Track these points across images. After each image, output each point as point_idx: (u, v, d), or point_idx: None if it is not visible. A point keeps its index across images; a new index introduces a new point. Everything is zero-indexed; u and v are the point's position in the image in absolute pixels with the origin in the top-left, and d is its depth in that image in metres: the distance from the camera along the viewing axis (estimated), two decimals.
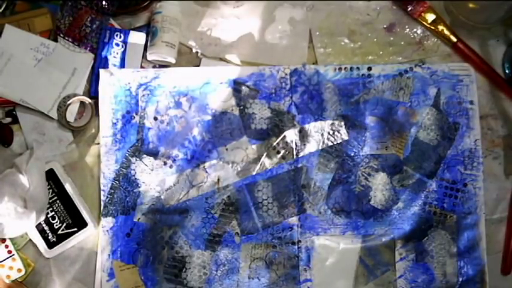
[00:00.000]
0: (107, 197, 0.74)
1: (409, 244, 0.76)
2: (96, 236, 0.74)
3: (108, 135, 0.75)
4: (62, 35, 0.76)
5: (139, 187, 0.75)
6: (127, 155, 0.75)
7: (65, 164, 0.75)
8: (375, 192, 0.76)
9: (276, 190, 0.75)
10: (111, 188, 0.74)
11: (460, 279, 0.76)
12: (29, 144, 0.75)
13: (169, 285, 0.74)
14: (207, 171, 0.75)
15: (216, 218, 0.75)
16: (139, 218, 0.74)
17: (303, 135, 0.76)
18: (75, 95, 0.75)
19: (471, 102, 0.78)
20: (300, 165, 0.76)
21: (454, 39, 0.79)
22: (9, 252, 0.72)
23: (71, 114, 0.75)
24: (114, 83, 0.75)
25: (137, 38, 0.77)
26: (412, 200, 0.76)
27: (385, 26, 0.81)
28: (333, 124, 0.77)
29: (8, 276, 0.71)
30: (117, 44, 0.77)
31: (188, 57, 0.79)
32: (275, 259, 0.75)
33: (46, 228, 0.73)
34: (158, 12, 0.76)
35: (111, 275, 0.73)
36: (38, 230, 0.72)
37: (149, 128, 0.76)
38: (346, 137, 0.77)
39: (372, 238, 0.76)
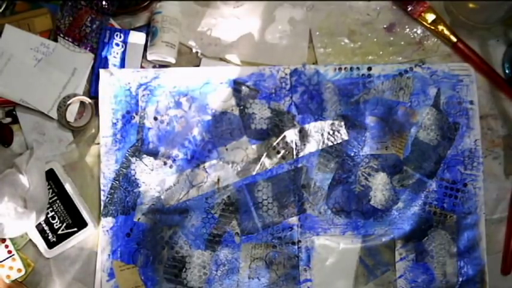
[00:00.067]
0: (107, 197, 0.74)
1: (409, 244, 0.76)
2: (96, 236, 0.74)
3: (108, 135, 0.75)
4: (62, 35, 0.76)
5: (139, 187, 0.75)
6: (127, 155, 0.75)
7: (65, 164, 0.75)
8: (375, 192, 0.76)
9: (276, 190, 0.75)
10: (111, 188, 0.74)
11: (460, 279, 0.76)
12: (29, 144, 0.75)
13: (169, 285, 0.74)
14: (207, 171, 0.75)
15: (216, 218, 0.75)
16: (139, 218, 0.74)
17: (303, 135, 0.76)
18: (75, 95, 0.75)
19: (471, 102, 0.78)
20: (300, 165, 0.76)
21: (454, 39, 0.79)
22: (9, 252, 0.72)
23: (71, 114, 0.75)
24: (114, 83, 0.75)
25: (137, 38, 0.77)
26: (412, 200, 0.76)
27: (385, 26, 0.81)
28: (333, 124, 0.77)
29: (8, 276, 0.71)
30: (117, 44, 0.77)
31: (188, 57, 0.79)
32: (275, 259, 0.75)
33: (46, 228, 0.73)
34: (158, 12, 0.76)
35: (111, 275, 0.73)
36: (38, 230, 0.72)
37: (149, 128, 0.76)
38: (346, 137, 0.77)
39: (372, 238, 0.76)
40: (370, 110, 0.77)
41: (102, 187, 0.74)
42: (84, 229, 0.73)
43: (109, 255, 0.73)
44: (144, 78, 0.76)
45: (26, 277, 0.73)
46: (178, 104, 0.76)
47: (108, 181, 0.74)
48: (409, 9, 0.80)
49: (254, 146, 0.76)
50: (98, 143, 0.75)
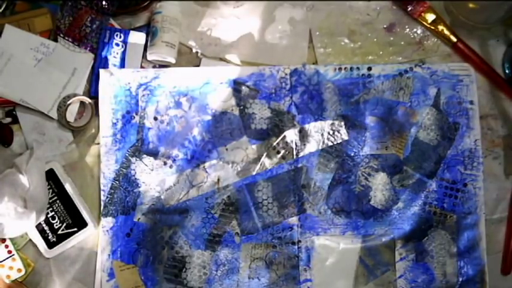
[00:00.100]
0: (107, 197, 0.74)
1: (409, 244, 0.76)
2: (96, 236, 0.74)
3: (108, 135, 0.75)
4: (62, 35, 0.76)
5: (139, 187, 0.75)
6: (127, 155, 0.75)
7: (65, 164, 0.75)
8: (375, 192, 0.76)
9: (276, 190, 0.75)
10: (111, 188, 0.74)
11: (460, 279, 0.76)
12: (29, 144, 0.75)
13: (169, 285, 0.74)
14: (207, 171, 0.75)
15: (216, 218, 0.75)
16: (139, 218, 0.74)
17: (303, 135, 0.76)
18: (75, 95, 0.75)
19: (471, 102, 0.78)
20: (300, 165, 0.76)
21: (454, 39, 0.79)
22: (9, 252, 0.72)
23: (71, 114, 0.75)
24: (114, 83, 0.75)
25: (137, 38, 0.77)
26: (412, 200, 0.76)
27: (385, 26, 0.81)
28: (333, 124, 0.77)
29: (8, 276, 0.71)
30: (117, 44, 0.77)
31: (188, 57, 0.79)
32: (275, 259, 0.75)
33: (46, 228, 0.73)
34: (158, 12, 0.76)
35: (111, 275, 0.73)
36: (38, 230, 0.72)
37: (149, 128, 0.76)
38: (346, 137, 0.77)
39: (372, 238, 0.76)
40: (370, 110, 0.77)
41: (102, 187, 0.74)
42: (84, 229, 0.73)
43: (109, 255, 0.73)
44: (144, 78, 0.76)
45: (26, 277, 0.73)
46: (178, 104, 0.76)
47: (108, 181, 0.74)
48: (409, 9, 0.80)
49: (254, 146, 0.76)
50: (98, 143, 0.75)
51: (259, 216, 0.75)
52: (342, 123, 0.77)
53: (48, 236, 0.73)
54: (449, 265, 0.76)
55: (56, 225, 0.73)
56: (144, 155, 0.75)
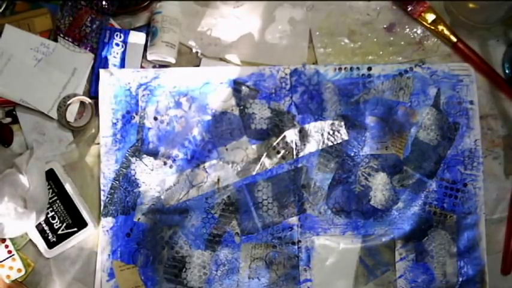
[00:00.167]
0: (107, 197, 0.74)
1: (409, 244, 0.76)
2: (96, 236, 0.74)
3: (108, 135, 0.75)
4: (62, 35, 0.76)
5: (139, 187, 0.75)
6: (127, 155, 0.75)
7: (65, 164, 0.75)
8: (375, 192, 0.76)
9: (276, 190, 0.75)
10: (111, 188, 0.74)
11: (460, 279, 0.76)
12: (29, 144, 0.75)
13: (169, 285, 0.74)
14: (207, 171, 0.75)
15: (216, 218, 0.75)
16: (139, 218, 0.74)
17: (303, 135, 0.76)
18: (75, 95, 0.75)
19: (471, 102, 0.78)
20: (300, 165, 0.76)
21: (454, 39, 0.79)
22: (9, 252, 0.72)
23: (71, 114, 0.75)
24: (114, 83, 0.75)
25: (137, 38, 0.77)
26: (412, 200, 0.76)
27: (385, 26, 0.81)
28: (333, 124, 0.77)
29: (8, 276, 0.72)
30: (117, 44, 0.77)
31: (188, 57, 0.79)
32: (275, 259, 0.75)
33: (46, 228, 0.73)
34: (158, 12, 0.76)
35: (111, 275, 0.73)
36: (38, 230, 0.72)
37: (149, 128, 0.76)
38: (346, 137, 0.77)
39: (372, 238, 0.76)
40: (370, 110, 0.77)
41: (102, 187, 0.74)
42: (84, 229, 0.73)
43: (109, 255, 0.73)
44: (144, 78, 0.76)
45: (26, 277, 0.73)
46: (178, 104, 0.76)
47: (108, 181, 0.74)
48: (409, 9, 0.80)
49: (254, 146, 0.76)
50: (98, 143, 0.75)
51: (259, 216, 0.75)
52: (342, 123, 0.77)
53: (48, 236, 0.73)
54: (449, 265, 0.76)
55: (56, 225, 0.73)
56: (144, 155, 0.75)
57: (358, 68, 0.78)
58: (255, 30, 0.79)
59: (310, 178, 0.76)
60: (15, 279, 0.72)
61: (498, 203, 0.78)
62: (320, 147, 0.76)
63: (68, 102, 0.73)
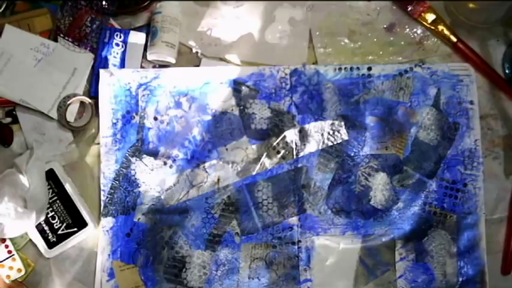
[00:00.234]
0: (107, 197, 0.74)
1: (409, 244, 0.76)
2: (96, 236, 0.74)
3: (108, 135, 0.75)
4: (62, 35, 0.76)
5: (139, 187, 0.75)
6: (127, 155, 0.75)
7: (65, 164, 0.75)
8: (375, 192, 0.76)
9: (276, 190, 0.75)
10: (111, 188, 0.74)
11: (460, 279, 0.76)
12: (29, 144, 0.75)
13: (169, 285, 0.74)
14: (207, 171, 0.75)
15: (216, 218, 0.75)
16: (139, 218, 0.74)
17: (303, 135, 0.76)
18: (75, 95, 0.75)
19: (471, 102, 0.78)
20: (300, 165, 0.76)
21: (454, 39, 0.79)
22: (9, 252, 0.72)
23: (71, 114, 0.75)
24: (114, 83, 0.75)
25: (137, 38, 0.77)
26: (412, 200, 0.76)
27: (385, 26, 0.81)
28: (333, 124, 0.77)
29: (8, 276, 0.72)
30: (117, 44, 0.77)
31: (188, 57, 0.79)
32: (275, 259, 0.75)
33: (46, 228, 0.73)
34: (158, 12, 0.76)
35: (111, 275, 0.73)
36: (38, 230, 0.72)
37: (149, 128, 0.76)
38: (346, 137, 0.77)
39: (372, 238, 0.76)
40: (370, 110, 0.77)
41: (102, 187, 0.74)
42: (84, 229, 0.73)
43: (109, 255, 0.73)
44: (144, 78, 0.76)
45: (26, 277, 0.73)
46: (178, 104, 0.76)
47: (108, 181, 0.74)
48: (409, 9, 0.80)
49: (254, 146, 0.76)
50: (98, 143, 0.75)
51: (259, 216, 0.75)
52: (342, 123, 0.77)
53: (48, 236, 0.73)
54: (449, 265, 0.76)
55: (56, 225, 0.73)
56: (144, 155, 0.75)
57: (358, 68, 0.78)
58: (255, 30, 0.79)
59: (310, 178, 0.76)
60: (15, 279, 0.72)
61: (498, 203, 0.78)
62: (320, 147, 0.76)
63: (68, 102, 0.73)
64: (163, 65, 0.78)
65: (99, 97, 0.75)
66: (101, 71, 0.75)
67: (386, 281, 0.75)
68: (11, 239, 0.72)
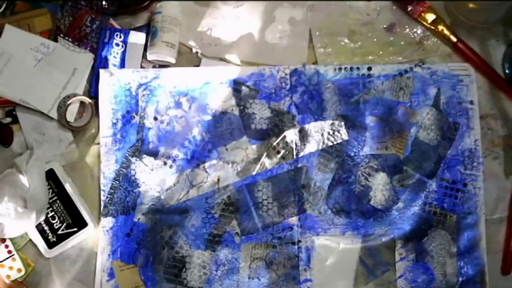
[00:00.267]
0: (107, 197, 0.74)
1: (409, 244, 0.76)
2: (96, 236, 0.74)
3: (108, 135, 0.75)
4: (62, 35, 0.76)
5: (139, 187, 0.75)
6: (127, 155, 0.75)
7: (65, 164, 0.75)
8: (375, 192, 0.76)
9: (276, 190, 0.75)
10: (111, 188, 0.74)
11: (460, 279, 0.76)
12: (29, 144, 0.75)
13: (169, 285, 0.74)
14: (207, 171, 0.75)
15: (216, 218, 0.75)
16: (139, 218, 0.74)
17: (303, 135, 0.76)
18: (75, 95, 0.75)
19: (471, 102, 0.78)
20: (300, 165, 0.76)
21: (454, 39, 0.79)
22: (9, 252, 0.72)
23: (71, 114, 0.75)
24: (114, 83, 0.75)
25: (137, 38, 0.77)
26: (412, 200, 0.76)
27: (385, 26, 0.81)
28: (333, 124, 0.77)
29: (8, 276, 0.72)
30: (117, 44, 0.77)
31: (188, 57, 0.79)
32: (275, 259, 0.75)
33: (46, 228, 0.73)
34: (158, 12, 0.76)
35: (111, 275, 0.73)
36: (38, 230, 0.72)
37: (149, 128, 0.76)
38: (346, 137, 0.77)
39: (372, 238, 0.76)
40: (370, 110, 0.77)
41: (102, 187, 0.74)
42: (84, 229, 0.73)
43: (109, 255, 0.73)
44: (144, 78, 0.76)
45: (26, 277, 0.73)
46: (178, 104, 0.76)
47: (108, 181, 0.74)
48: (409, 9, 0.80)
49: (254, 146, 0.76)
50: (98, 143, 0.75)
51: (259, 216, 0.75)
52: (342, 123, 0.77)
53: (48, 236, 0.73)
54: (449, 265, 0.76)
55: (56, 225, 0.73)
56: (144, 155, 0.75)
57: (358, 68, 0.78)
58: (255, 30, 0.79)
59: (310, 178, 0.76)
60: (15, 279, 0.72)
61: (498, 203, 0.78)
62: (320, 147, 0.76)
63: (68, 102, 0.73)
64: (163, 65, 0.78)
65: (99, 97, 0.75)
66: (101, 71, 0.75)
67: (386, 281, 0.75)
68: (11, 239, 0.72)
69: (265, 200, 0.75)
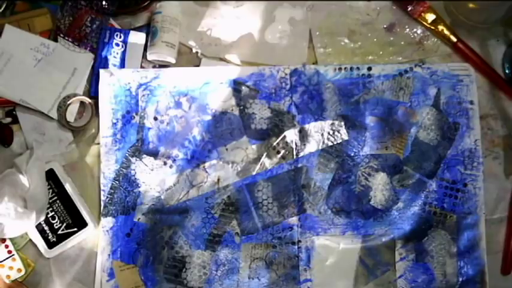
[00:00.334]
0: (107, 197, 0.74)
1: (409, 244, 0.76)
2: (96, 236, 0.74)
3: (108, 135, 0.75)
4: (62, 35, 0.76)
5: (139, 187, 0.75)
6: (127, 155, 0.75)
7: (65, 164, 0.75)
8: (375, 192, 0.76)
9: (276, 190, 0.75)
10: (111, 188, 0.74)
11: (460, 279, 0.76)
12: (29, 144, 0.75)
13: (169, 285, 0.74)
14: (207, 171, 0.75)
15: (216, 218, 0.75)
16: (139, 218, 0.74)
17: (303, 135, 0.76)
18: (75, 95, 0.75)
19: (471, 102, 0.78)
20: (300, 165, 0.76)
21: (454, 39, 0.79)
22: (9, 252, 0.72)
23: (71, 114, 0.75)
24: (114, 83, 0.75)
25: (137, 38, 0.77)
26: (412, 200, 0.76)
27: (385, 26, 0.81)
28: (333, 124, 0.77)
29: (8, 276, 0.71)
30: (117, 44, 0.77)
31: (188, 57, 0.79)
32: (275, 259, 0.75)
33: (46, 228, 0.73)
34: (158, 12, 0.76)
35: (111, 275, 0.73)
36: (38, 230, 0.72)
37: (149, 128, 0.76)
38: (346, 137, 0.77)
39: (372, 238, 0.76)
40: (370, 110, 0.77)
41: (102, 187, 0.74)
42: (84, 229, 0.73)
43: (109, 255, 0.73)
44: (144, 78, 0.76)
45: (26, 277, 0.73)
46: (178, 104, 0.76)
47: (108, 181, 0.74)
48: (409, 9, 0.80)
49: (254, 146, 0.76)
50: (98, 143, 0.75)
51: (259, 216, 0.75)
52: (342, 123, 0.77)
53: (48, 236, 0.73)
54: (449, 265, 0.76)
55: (56, 225, 0.73)
56: (144, 155, 0.75)
57: (358, 68, 0.78)
58: (255, 30, 0.79)
59: (310, 178, 0.76)
60: (15, 279, 0.72)
61: (498, 203, 0.78)
62: (320, 147, 0.76)
63: (68, 102, 0.73)
64: (163, 65, 0.78)
65: (99, 97, 0.75)
66: (101, 71, 0.75)
67: (386, 281, 0.75)
68: (11, 239, 0.72)
69: (265, 200, 0.75)
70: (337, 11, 0.80)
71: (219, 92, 0.76)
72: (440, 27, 0.79)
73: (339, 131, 0.77)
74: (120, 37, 0.77)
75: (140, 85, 0.76)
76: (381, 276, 0.76)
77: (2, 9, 0.76)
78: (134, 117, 0.76)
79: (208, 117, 0.76)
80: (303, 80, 0.77)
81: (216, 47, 0.79)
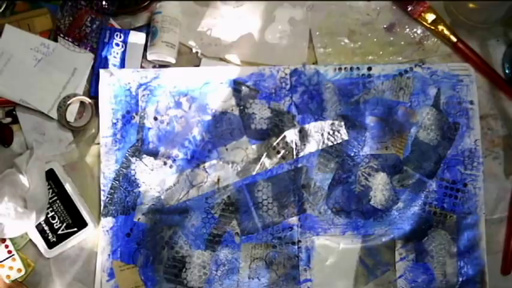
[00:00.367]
0: (107, 197, 0.74)
1: (409, 244, 0.76)
2: (96, 236, 0.74)
3: (108, 135, 0.75)
4: (62, 35, 0.76)
5: (139, 187, 0.75)
6: (127, 155, 0.75)
7: (65, 164, 0.75)
8: (375, 192, 0.76)
9: (276, 190, 0.75)
10: (111, 188, 0.74)
11: (460, 279, 0.76)
12: (29, 144, 0.75)
13: (169, 285, 0.74)
14: (207, 171, 0.75)
15: (216, 218, 0.75)
16: (139, 218, 0.74)
17: (303, 135, 0.76)
18: (75, 95, 0.75)
19: (471, 102, 0.78)
20: (300, 165, 0.76)
21: (454, 39, 0.79)
22: (9, 252, 0.72)
23: (71, 114, 0.75)
24: (114, 83, 0.75)
25: (137, 38, 0.77)
26: (412, 200, 0.76)
27: (385, 26, 0.81)
28: (333, 124, 0.77)
29: (8, 276, 0.72)
30: (117, 44, 0.77)
31: (188, 57, 0.79)
32: (275, 259, 0.75)
33: (46, 228, 0.73)
34: (158, 12, 0.76)
35: (111, 275, 0.73)
36: (38, 230, 0.72)
37: (149, 128, 0.76)
38: (346, 137, 0.77)
39: (372, 238, 0.76)
40: (370, 110, 0.77)
41: (102, 187, 0.74)
42: (84, 229, 0.73)
43: (109, 255, 0.73)
44: (144, 78, 0.76)
45: (26, 277, 0.73)
46: (178, 104, 0.76)
47: (108, 181, 0.74)
48: (409, 9, 0.80)
49: (254, 146, 0.76)
50: (98, 143, 0.75)
51: (259, 216, 0.75)
52: (342, 123, 0.77)
53: (48, 236, 0.73)
54: (449, 265, 0.76)
55: (56, 225, 0.73)
56: (144, 155, 0.75)
57: (358, 68, 0.78)
58: (255, 30, 0.79)
59: (310, 178, 0.76)
60: (15, 279, 0.72)
61: (498, 203, 0.78)
62: (320, 147, 0.76)
63: (68, 102, 0.73)
64: (163, 65, 0.78)
65: (99, 97, 0.75)
66: (101, 71, 0.75)
67: (386, 281, 0.75)
68: (11, 239, 0.72)
69: (265, 200, 0.75)
70: (337, 11, 0.80)
71: (219, 92, 0.76)
72: (440, 27, 0.79)
73: (339, 131, 0.77)
74: (120, 37, 0.77)
75: (140, 85, 0.76)
76: (381, 276, 0.76)
77: (2, 9, 0.76)
78: (134, 117, 0.76)
79: (208, 117, 0.76)
80: (303, 80, 0.77)
81: (216, 47, 0.79)
